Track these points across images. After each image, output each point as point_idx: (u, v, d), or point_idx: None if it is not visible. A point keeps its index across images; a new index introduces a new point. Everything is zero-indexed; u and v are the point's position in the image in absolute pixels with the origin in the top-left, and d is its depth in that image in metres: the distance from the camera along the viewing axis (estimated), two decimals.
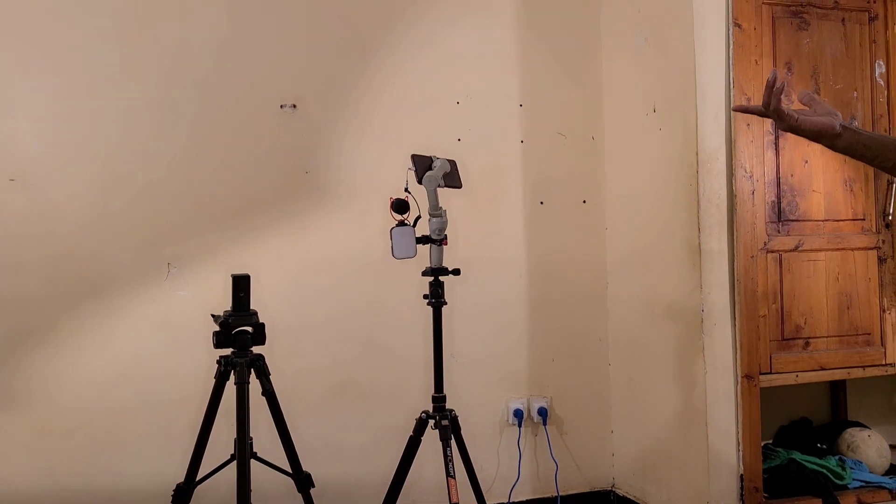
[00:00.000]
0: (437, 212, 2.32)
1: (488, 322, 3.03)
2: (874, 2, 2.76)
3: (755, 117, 2.61)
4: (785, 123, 1.56)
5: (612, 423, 3.15)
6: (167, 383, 2.68)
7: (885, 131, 2.77)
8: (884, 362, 2.79)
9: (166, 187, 2.71)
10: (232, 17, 2.80)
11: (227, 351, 2.13)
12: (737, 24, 2.60)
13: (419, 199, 2.33)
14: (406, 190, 2.31)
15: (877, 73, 2.78)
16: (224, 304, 2.23)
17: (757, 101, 2.62)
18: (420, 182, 2.31)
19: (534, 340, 3.10)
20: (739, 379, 2.60)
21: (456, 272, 2.37)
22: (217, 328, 2.12)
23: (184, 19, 2.75)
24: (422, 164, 2.33)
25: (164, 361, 2.68)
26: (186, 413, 2.60)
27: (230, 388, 2.12)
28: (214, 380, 2.19)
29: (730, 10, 2.60)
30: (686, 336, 2.71)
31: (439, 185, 2.32)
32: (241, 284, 2.11)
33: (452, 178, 2.39)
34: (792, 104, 1.61)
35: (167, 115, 2.72)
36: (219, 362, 2.16)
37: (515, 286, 3.07)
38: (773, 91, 1.54)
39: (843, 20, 2.74)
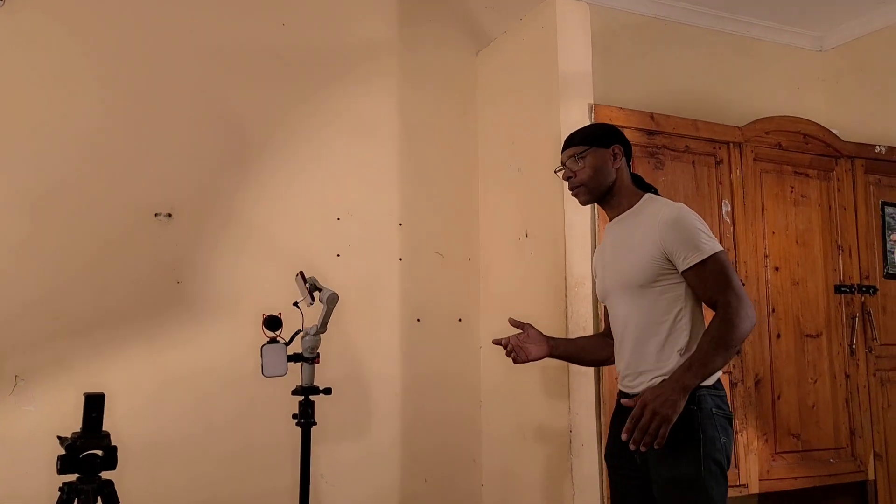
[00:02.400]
0: (324, 329, 2.30)
1: (360, 441, 2.96)
2: (719, 148, 3.07)
3: None
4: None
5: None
6: None
7: (732, 264, 3.01)
8: (738, 483, 2.92)
9: (18, 293, 2.55)
10: (108, 118, 2.75)
11: (73, 477, 1.96)
12: None
13: (302, 313, 2.32)
14: (295, 304, 2.30)
15: (724, 211, 3.05)
16: (75, 422, 2.07)
17: None
18: (321, 300, 2.31)
19: (407, 460, 3.04)
20: (605, 500, 2.64)
21: (327, 391, 2.33)
22: (62, 451, 1.96)
23: (56, 113, 2.67)
24: (310, 282, 2.36)
25: (1, 484, 2.44)
26: None
27: None
28: None
29: None
30: (556, 457, 2.75)
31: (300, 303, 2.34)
32: (94, 404, 1.97)
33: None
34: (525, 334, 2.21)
35: (26, 217, 2.59)
36: (61, 490, 1.97)
37: (389, 405, 3.04)
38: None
39: (693, 163, 3.01)
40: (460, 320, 3.23)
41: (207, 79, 2.92)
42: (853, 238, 3.29)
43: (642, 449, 1.79)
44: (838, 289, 3.24)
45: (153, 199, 2.77)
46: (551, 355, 2.21)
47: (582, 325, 2.73)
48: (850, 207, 3.31)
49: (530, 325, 2.23)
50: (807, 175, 3.25)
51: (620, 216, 2.06)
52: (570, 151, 2.08)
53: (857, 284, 3.26)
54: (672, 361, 1.88)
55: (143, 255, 2.73)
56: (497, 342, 2.20)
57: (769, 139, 3.19)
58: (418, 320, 3.14)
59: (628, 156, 2.09)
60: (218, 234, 2.85)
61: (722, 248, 1.88)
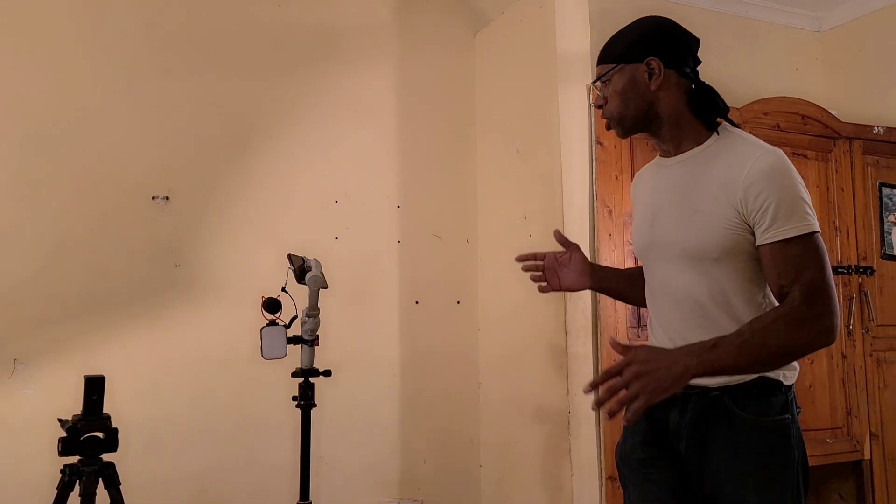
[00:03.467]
0: (315, 312, 2.30)
1: (359, 423, 2.97)
2: None
3: (617, 227, 2.79)
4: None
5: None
6: (1, 492, 2.43)
7: None
8: None
9: (17, 277, 2.54)
10: (107, 102, 2.73)
11: (74, 459, 1.97)
12: (598, 142, 2.80)
13: (296, 297, 2.31)
14: (283, 289, 2.29)
15: None
16: (75, 405, 2.07)
17: (618, 213, 2.80)
18: (303, 282, 2.29)
19: (406, 441, 3.06)
20: (604, 480, 2.66)
21: (327, 373, 2.34)
22: (64, 433, 1.96)
23: (54, 98, 2.66)
24: (298, 264, 2.32)
25: (0, 466, 2.44)
26: None
27: (74, 499, 1.95)
28: (56, 491, 2.00)
29: (592, 128, 2.81)
30: (554, 437, 2.77)
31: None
32: (94, 386, 1.97)
33: (322, 280, 2.39)
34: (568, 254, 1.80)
35: (25, 199, 2.58)
36: (63, 472, 1.98)
37: (388, 386, 3.05)
38: (625, 349, 1.40)
39: None
40: (459, 302, 3.24)
41: (204, 61, 2.90)
42: (851, 219, 3.29)
43: (606, 413, 1.31)
44: (836, 270, 3.24)
45: (150, 183, 2.77)
46: (593, 288, 1.80)
47: (581, 308, 2.74)
48: (847, 188, 3.31)
49: (577, 247, 1.78)
50: (805, 156, 3.25)
51: (681, 156, 1.54)
52: (599, 72, 1.60)
53: (855, 266, 3.27)
54: None
55: (140, 239, 2.73)
56: (524, 258, 1.79)
57: (767, 120, 3.17)
58: (417, 303, 3.15)
59: (682, 66, 1.53)
60: (216, 217, 2.85)
61: (818, 230, 1.41)
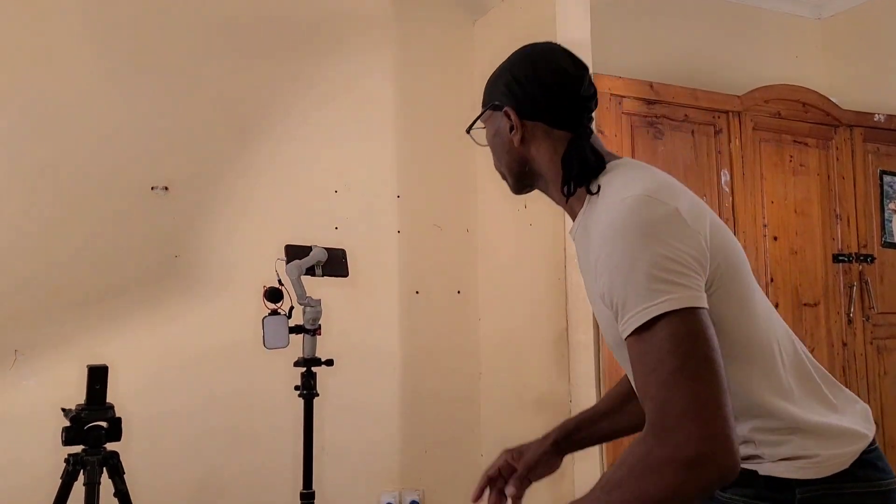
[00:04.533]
0: (304, 300, 2.29)
1: (361, 413, 2.98)
2: (718, 117, 3.06)
3: None
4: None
5: None
6: (5, 482, 2.43)
7: (739, 233, 3.02)
8: None
9: (16, 268, 2.54)
10: (105, 92, 2.72)
11: (78, 448, 1.97)
12: (600, 131, 2.80)
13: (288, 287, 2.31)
14: (279, 281, 2.28)
15: (723, 181, 3.05)
16: (76, 396, 2.07)
17: None
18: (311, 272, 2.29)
19: (407, 431, 3.06)
20: (605, 468, 2.67)
21: (329, 363, 2.33)
22: (67, 423, 1.96)
23: (52, 88, 2.65)
24: (294, 255, 2.32)
25: (3, 457, 2.45)
26: None
27: (79, 489, 1.95)
28: (61, 480, 2.00)
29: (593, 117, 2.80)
30: (555, 425, 2.77)
31: (315, 275, 2.31)
32: (97, 376, 1.97)
33: (336, 268, 2.37)
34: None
35: (24, 190, 2.58)
36: (67, 461, 1.98)
37: (389, 376, 3.05)
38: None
39: (692, 132, 3.00)
40: (459, 292, 3.23)
41: (203, 51, 2.88)
42: (851, 207, 3.30)
43: None
44: (836, 258, 3.25)
45: (149, 173, 2.76)
46: (568, 452, 1.48)
47: (583, 297, 2.74)
48: (848, 176, 3.31)
49: (521, 451, 1.47)
50: (806, 144, 3.25)
51: (573, 227, 1.24)
52: (472, 121, 1.38)
53: (855, 253, 3.28)
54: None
55: (140, 229, 2.72)
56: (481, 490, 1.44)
57: (768, 108, 3.17)
58: (417, 293, 3.14)
59: (550, 116, 1.21)
60: (215, 208, 2.84)
61: (687, 307, 0.97)
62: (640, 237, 1.01)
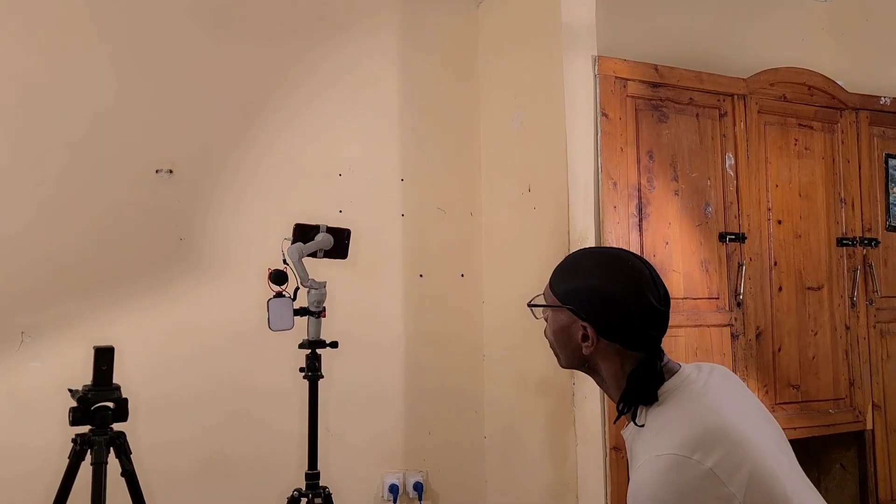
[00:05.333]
0: (307, 283, 2.30)
1: (365, 395, 3.00)
2: (723, 101, 3.04)
3: (622, 199, 2.79)
4: None
5: (488, 496, 3.16)
6: (13, 463, 2.46)
7: (735, 218, 3.01)
8: None
9: (23, 250, 2.55)
10: (108, 76, 2.72)
11: (85, 429, 1.99)
12: (604, 114, 2.79)
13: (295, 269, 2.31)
14: (284, 262, 2.28)
15: (727, 165, 3.04)
16: (83, 377, 2.09)
17: (622, 185, 2.79)
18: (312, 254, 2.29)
19: (411, 413, 3.08)
20: (608, 451, 2.68)
21: (334, 345, 2.34)
22: (74, 404, 1.98)
23: (57, 71, 2.65)
24: (302, 234, 2.32)
25: (11, 439, 2.47)
26: (34, 497, 2.39)
27: (86, 469, 1.97)
28: (68, 460, 2.03)
29: (597, 100, 2.79)
30: (558, 409, 2.79)
31: (317, 256, 2.31)
32: (104, 357, 1.99)
33: (336, 250, 2.38)
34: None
35: (29, 173, 2.58)
36: (74, 441, 2.00)
37: (394, 358, 3.07)
38: None
39: (697, 115, 2.99)
40: (463, 275, 3.24)
41: (208, 35, 2.88)
42: (856, 191, 3.29)
43: None
44: (840, 241, 3.24)
45: (154, 156, 2.76)
46: None
47: None
48: (853, 160, 3.30)
49: None
50: (811, 127, 3.23)
51: (625, 429, 1.34)
52: (544, 291, 1.43)
53: (859, 237, 3.27)
54: None
55: (145, 212, 2.73)
56: None
57: (774, 91, 3.16)
58: (421, 276, 3.15)
59: (625, 340, 1.29)
60: (220, 190, 2.85)
61: None
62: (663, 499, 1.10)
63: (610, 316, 1.28)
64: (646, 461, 1.16)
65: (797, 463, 1.28)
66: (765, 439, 1.21)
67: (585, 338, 1.30)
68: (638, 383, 1.26)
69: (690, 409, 1.21)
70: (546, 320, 1.40)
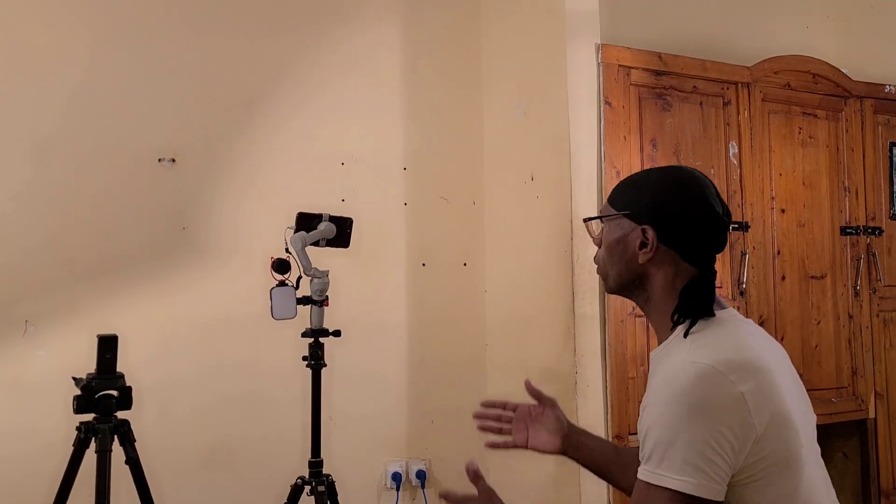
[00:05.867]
0: (310, 272, 2.30)
1: (368, 384, 3.00)
2: (727, 89, 3.03)
3: None
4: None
5: (490, 485, 3.16)
6: (18, 451, 2.47)
7: (739, 206, 3.01)
8: None
9: (26, 239, 2.55)
10: (109, 64, 2.71)
11: (89, 417, 2.00)
12: (607, 103, 2.78)
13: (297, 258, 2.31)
14: (287, 250, 2.28)
15: (731, 153, 3.03)
16: (87, 365, 2.10)
17: (626, 174, 2.78)
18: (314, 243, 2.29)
19: (413, 402, 3.09)
20: (611, 440, 2.69)
21: (337, 333, 2.35)
22: (78, 392, 1.99)
23: (59, 58, 2.64)
24: (305, 223, 2.32)
25: (15, 427, 2.48)
26: (39, 484, 2.40)
27: (90, 456, 1.98)
28: (73, 447, 2.04)
29: (601, 89, 2.78)
30: (561, 398, 2.77)
31: (320, 245, 2.31)
32: (107, 345, 2.00)
33: (338, 239, 2.37)
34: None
35: (31, 162, 2.58)
36: (78, 429, 2.02)
37: (396, 347, 3.07)
38: (476, 481, 1.44)
39: (700, 104, 2.98)
40: (465, 264, 3.24)
41: (209, 21, 2.87)
42: (860, 179, 3.28)
43: None
44: (844, 230, 3.23)
45: (156, 145, 2.76)
46: (564, 453, 1.58)
47: (589, 270, 2.74)
48: (857, 148, 3.29)
49: (554, 403, 1.62)
50: (815, 116, 3.22)
51: (656, 349, 1.32)
52: (601, 210, 1.43)
53: (863, 226, 3.26)
54: None
55: (147, 201, 2.73)
56: (491, 405, 1.58)
57: (778, 79, 3.15)
58: (424, 265, 3.15)
59: (686, 249, 1.27)
60: (222, 179, 2.84)
61: (698, 497, 1.10)
62: (690, 411, 1.11)
63: (673, 219, 1.27)
64: (682, 362, 1.16)
65: (817, 445, 1.29)
66: (796, 403, 1.22)
67: (644, 244, 1.28)
68: (693, 296, 1.24)
69: (736, 338, 1.21)
70: (600, 240, 1.37)
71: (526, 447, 1.58)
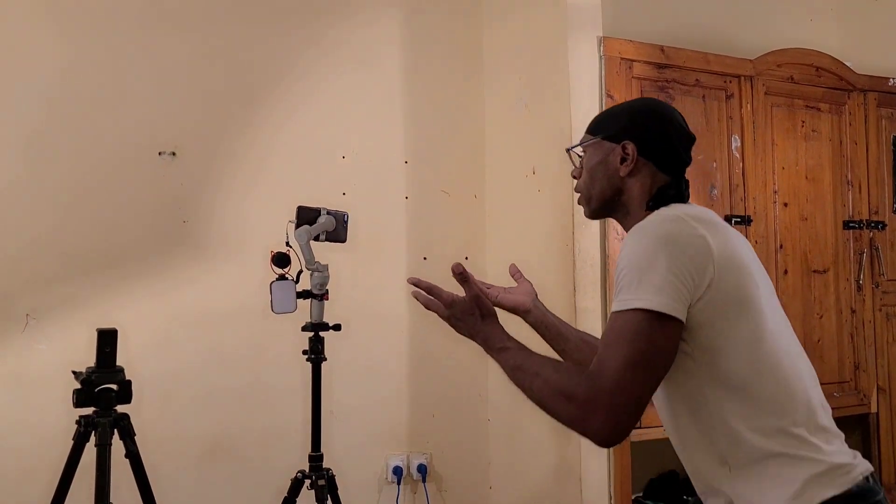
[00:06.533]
0: (313, 266, 2.29)
1: (369, 377, 3.00)
2: (730, 82, 3.01)
3: None
4: (484, 307, 1.49)
5: (491, 479, 3.17)
6: (18, 444, 2.48)
7: (741, 200, 2.99)
8: None
9: (27, 233, 2.55)
10: (111, 57, 2.70)
11: (89, 410, 2.00)
12: (609, 96, 2.77)
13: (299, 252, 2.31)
14: (287, 244, 2.28)
15: (733, 147, 3.02)
16: (87, 359, 2.10)
17: None
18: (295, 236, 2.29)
19: (414, 396, 3.09)
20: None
21: (337, 327, 2.34)
22: (78, 386, 1.99)
23: (59, 53, 2.63)
24: (305, 217, 2.31)
25: (16, 420, 2.48)
26: (39, 478, 2.40)
27: (90, 450, 1.98)
28: (73, 441, 2.04)
29: (602, 81, 2.77)
30: None
31: (318, 240, 2.31)
32: (107, 339, 2.00)
33: (336, 233, 2.37)
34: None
35: (31, 156, 2.58)
36: (78, 422, 2.01)
37: (397, 341, 3.07)
38: (465, 282, 1.49)
39: (703, 97, 2.96)
40: (467, 258, 3.23)
41: (209, 14, 2.86)
42: (863, 173, 3.27)
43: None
44: (847, 224, 3.22)
45: (156, 138, 2.75)
46: (528, 312, 1.71)
47: (590, 263, 2.73)
48: (861, 142, 3.27)
49: (530, 283, 1.77)
50: (818, 109, 3.21)
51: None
52: (578, 143, 1.55)
53: (866, 220, 3.25)
54: (718, 475, 1.30)
55: (148, 195, 2.72)
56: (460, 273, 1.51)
57: (781, 72, 3.13)
58: (425, 258, 3.15)
59: (661, 161, 1.41)
60: (223, 173, 2.84)
61: (661, 312, 1.19)
62: (656, 243, 1.24)
63: (649, 133, 1.42)
64: (654, 216, 1.32)
65: (786, 318, 1.41)
66: (756, 267, 1.35)
67: (624, 159, 1.42)
68: (666, 192, 1.40)
69: (701, 209, 1.38)
70: (580, 171, 1.52)
71: (497, 299, 1.67)
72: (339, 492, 2.32)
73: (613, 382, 1.18)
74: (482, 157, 3.29)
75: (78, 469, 2.05)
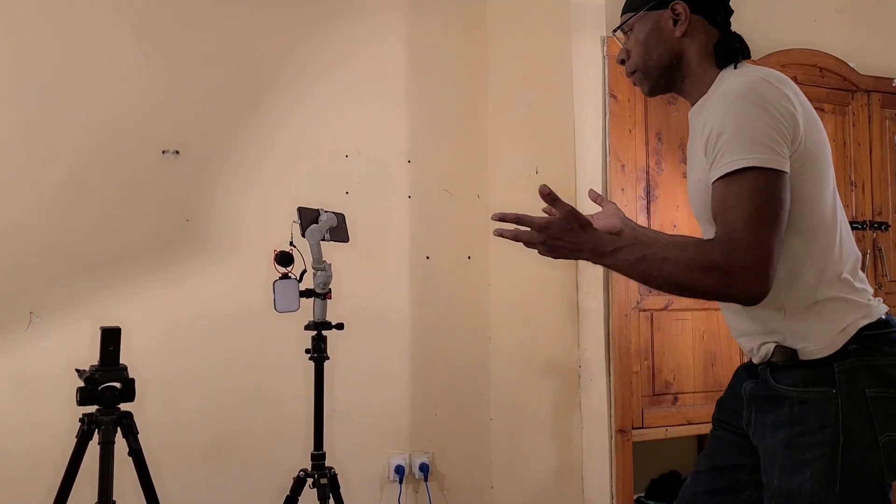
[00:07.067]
0: (320, 265, 2.30)
1: (371, 376, 3.00)
2: None
3: (630, 182, 2.77)
4: (582, 219, 1.40)
5: (493, 478, 3.17)
6: (22, 442, 2.48)
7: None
8: None
9: (31, 231, 2.56)
10: (114, 57, 2.71)
11: (92, 408, 2.00)
12: (612, 96, 2.77)
13: (305, 252, 2.31)
14: (291, 243, 2.28)
15: None
16: (91, 357, 2.10)
17: (630, 168, 2.78)
18: (303, 235, 2.29)
19: (416, 395, 3.09)
20: (613, 433, 2.69)
21: (339, 326, 2.35)
22: (82, 384, 1.99)
23: (63, 51, 2.64)
24: (308, 217, 2.32)
25: (19, 418, 2.49)
26: (42, 475, 2.41)
27: (93, 448, 1.99)
28: (76, 439, 2.04)
29: (606, 81, 2.77)
30: (564, 391, 2.79)
31: (324, 239, 2.31)
32: (110, 337, 2.00)
33: (339, 233, 2.38)
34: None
35: (35, 153, 2.58)
36: (81, 420, 2.02)
37: (399, 340, 3.07)
38: (555, 201, 1.42)
39: None
40: (469, 257, 3.23)
41: (213, 13, 2.86)
42: (867, 174, 3.26)
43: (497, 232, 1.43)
44: (851, 225, 3.21)
45: (160, 137, 2.76)
46: (620, 231, 1.67)
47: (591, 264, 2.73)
48: (864, 143, 3.27)
49: (614, 204, 1.73)
50: (822, 110, 3.20)
51: (696, 104, 1.45)
52: (621, 21, 1.51)
53: (870, 221, 3.25)
54: (774, 319, 1.34)
55: (152, 193, 2.73)
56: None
57: (784, 72, 3.10)
58: (427, 258, 3.15)
59: (711, 14, 1.44)
60: (226, 172, 2.84)
61: (773, 168, 1.22)
62: (752, 104, 1.25)
63: None
64: (734, 81, 1.32)
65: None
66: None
67: (676, 20, 1.44)
68: (730, 42, 1.42)
69: (776, 72, 1.36)
70: (628, 51, 1.50)
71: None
72: (341, 491, 2.32)
73: (749, 240, 1.21)
74: (485, 157, 3.29)
75: (81, 467, 2.05)
